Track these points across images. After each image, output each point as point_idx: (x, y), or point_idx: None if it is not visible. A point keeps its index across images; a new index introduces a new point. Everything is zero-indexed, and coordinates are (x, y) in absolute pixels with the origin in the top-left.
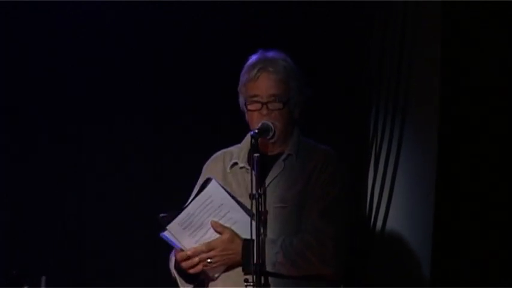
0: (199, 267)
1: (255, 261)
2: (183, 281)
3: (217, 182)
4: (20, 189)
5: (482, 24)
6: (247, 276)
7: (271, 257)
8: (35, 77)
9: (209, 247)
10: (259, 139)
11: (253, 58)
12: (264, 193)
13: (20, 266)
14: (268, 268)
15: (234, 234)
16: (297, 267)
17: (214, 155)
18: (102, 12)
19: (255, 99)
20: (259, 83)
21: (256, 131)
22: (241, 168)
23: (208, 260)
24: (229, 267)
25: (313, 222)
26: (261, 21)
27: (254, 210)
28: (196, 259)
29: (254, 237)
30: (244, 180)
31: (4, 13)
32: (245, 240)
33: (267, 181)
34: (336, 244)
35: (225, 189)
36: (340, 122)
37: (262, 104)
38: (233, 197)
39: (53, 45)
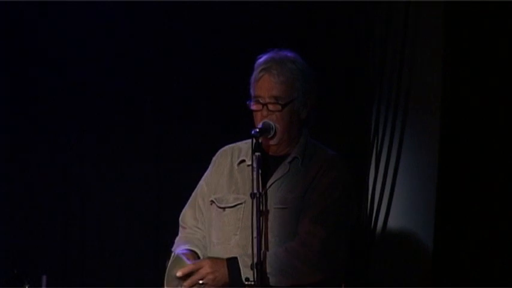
0: None
1: (255, 260)
2: None
3: None
4: (20, 189)
5: (484, 24)
6: (248, 275)
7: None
8: (35, 77)
9: (197, 265)
10: (263, 140)
11: (262, 58)
12: (265, 193)
13: (20, 265)
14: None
15: (213, 258)
16: (287, 276)
17: (223, 149)
18: (102, 12)
19: (258, 99)
20: (261, 84)
21: (257, 130)
22: (248, 165)
23: (200, 282)
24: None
25: (304, 226)
26: (262, 21)
27: (255, 209)
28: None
29: (255, 235)
30: (250, 178)
31: (4, 13)
32: (228, 259)
33: (270, 182)
34: (326, 248)
35: None
36: (341, 121)
37: (263, 105)
38: None
39: (53, 45)
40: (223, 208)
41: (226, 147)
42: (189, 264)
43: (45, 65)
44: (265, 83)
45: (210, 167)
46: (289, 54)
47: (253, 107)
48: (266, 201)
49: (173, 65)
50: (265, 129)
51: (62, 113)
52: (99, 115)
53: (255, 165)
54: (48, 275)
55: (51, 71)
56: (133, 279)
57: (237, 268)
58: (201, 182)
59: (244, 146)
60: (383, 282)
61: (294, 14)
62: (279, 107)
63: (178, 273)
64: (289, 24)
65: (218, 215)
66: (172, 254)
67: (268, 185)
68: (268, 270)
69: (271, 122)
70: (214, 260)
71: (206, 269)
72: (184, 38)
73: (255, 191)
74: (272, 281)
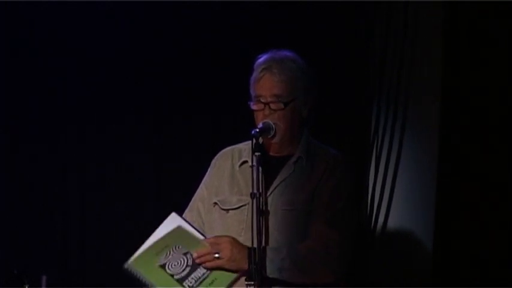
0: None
1: (255, 261)
2: None
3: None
4: (20, 188)
5: (483, 23)
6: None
7: (278, 262)
8: (35, 77)
9: (217, 240)
10: (264, 140)
11: (261, 58)
12: (265, 193)
13: (20, 265)
14: (274, 274)
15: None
16: (304, 273)
17: (223, 151)
18: (102, 12)
19: (259, 99)
20: (263, 83)
21: (257, 130)
22: (251, 166)
23: (217, 255)
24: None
25: (319, 229)
26: (262, 21)
27: (255, 210)
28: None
29: (255, 236)
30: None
31: (4, 13)
32: (248, 248)
33: (276, 183)
34: (341, 250)
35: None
36: (341, 121)
37: (265, 104)
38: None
39: (53, 45)
40: (227, 210)
41: (226, 149)
42: (207, 241)
43: (45, 65)
44: (267, 82)
45: (209, 169)
46: (289, 53)
47: (254, 106)
48: (266, 202)
49: (173, 65)
50: (265, 129)
51: (61, 113)
52: (99, 115)
53: (255, 165)
54: (48, 276)
55: (51, 71)
56: (134, 279)
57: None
58: (201, 185)
59: (245, 147)
60: (383, 282)
61: (294, 14)
62: (282, 106)
63: (195, 255)
64: (289, 24)
65: (221, 217)
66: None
67: (274, 186)
68: (286, 265)
69: (271, 122)
70: (235, 240)
71: (226, 244)
72: (184, 38)
73: (255, 191)
74: (287, 275)
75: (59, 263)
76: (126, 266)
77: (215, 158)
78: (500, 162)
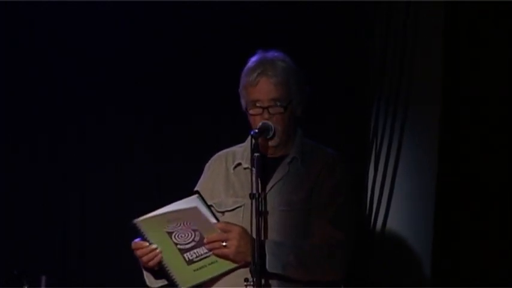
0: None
1: (255, 260)
2: (151, 278)
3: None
4: (20, 189)
5: (484, 23)
6: (247, 276)
7: (283, 258)
8: (34, 77)
9: (227, 228)
10: (261, 141)
11: (252, 61)
12: (265, 195)
13: (20, 265)
14: (278, 270)
15: (245, 230)
16: (307, 271)
17: (217, 155)
18: (102, 12)
19: (256, 104)
20: (259, 88)
21: (257, 130)
22: (245, 168)
23: (224, 243)
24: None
25: (322, 228)
26: (261, 21)
27: (254, 211)
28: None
29: (255, 237)
30: (248, 180)
31: (4, 13)
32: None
33: (271, 184)
34: (345, 250)
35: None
36: (340, 121)
37: (264, 108)
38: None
39: (53, 45)
40: (223, 212)
41: (220, 152)
42: (218, 226)
43: (45, 65)
44: (264, 86)
45: (204, 173)
46: (277, 53)
47: (252, 111)
48: (265, 202)
49: (173, 65)
50: (265, 129)
51: (61, 113)
52: (99, 115)
53: (254, 165)
54: (47, 276)
55: (51, 71)
56: (134, 279)
57: (263, 253)
58: (196, 189)
59: (239, 150)
60: (383, 282)
61: (294, 14)
62: (281, 110)
63: (205, 240)
64: (289, 24)
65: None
66: None
67: (269, 186)
68: (291, 261)
69: (269, 123)
70: (245, 232)
71: (234, 234)
72: (184, 38)
73: (254, 191)
74: (291, 272)
75: (59, 263)
76: (134, 222)
77: (209, 161)
78: (500, 162)
